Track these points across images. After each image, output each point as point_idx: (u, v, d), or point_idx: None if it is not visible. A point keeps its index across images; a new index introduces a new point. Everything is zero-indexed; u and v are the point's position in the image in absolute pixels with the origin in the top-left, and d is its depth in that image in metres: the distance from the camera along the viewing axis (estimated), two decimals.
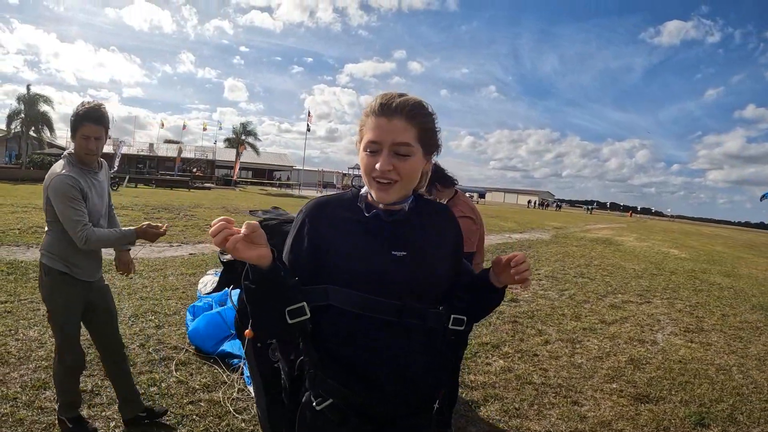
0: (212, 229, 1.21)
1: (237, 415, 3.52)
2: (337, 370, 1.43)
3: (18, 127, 38.40)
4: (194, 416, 3.47)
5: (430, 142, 1.47)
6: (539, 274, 10.76)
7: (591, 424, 3.96)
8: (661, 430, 4.00)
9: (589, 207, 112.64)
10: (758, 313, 8.86)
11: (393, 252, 1.43)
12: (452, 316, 1.49)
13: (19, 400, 3.43)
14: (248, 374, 3.77)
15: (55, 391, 3.24)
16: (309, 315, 1.36)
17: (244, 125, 54.28)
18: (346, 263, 1.41)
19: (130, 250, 3.37)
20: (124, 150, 41.74)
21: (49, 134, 39.66)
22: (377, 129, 1.40)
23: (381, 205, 1.46)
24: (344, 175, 61.32)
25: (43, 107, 38.52)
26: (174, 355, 4.44)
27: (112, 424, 3.29)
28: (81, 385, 3.32)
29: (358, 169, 1.49)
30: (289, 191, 50.97)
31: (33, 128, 38.57)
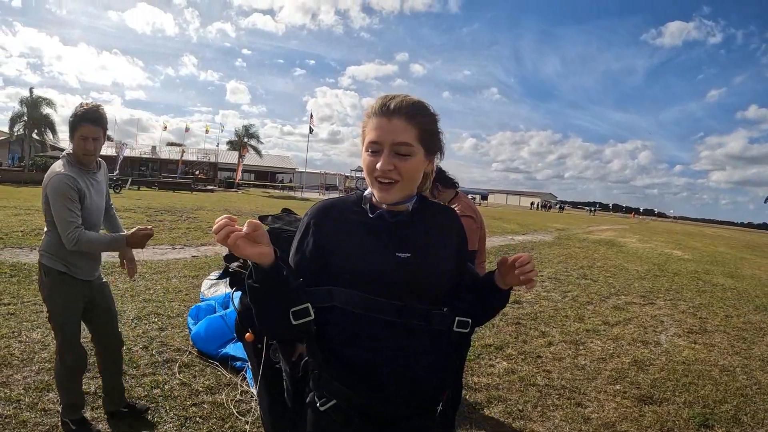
0: (215, 226, 1.23)
1: (240, 417, 3.52)
2: (341, 370, 1.43)
3: (21, 130, 38.47)
4: (197, 418, 3.47)
5: (431, 142, 1.48)
6: (542, 275, 10.73)
7: (595, 425, 3.95)
8: (665, 431, 3.99)
9: (592, 208, 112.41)
10: (762, 314, 8.84)
11: (397, 254, 1.44)
12: (457, 318, 1.49)
13: (23, 402, 3.43)
14: (251, 376, 3.77)
15: (57, 393, 3.25)
16: (313, 316, 1.37)
17: (246, 128, 54.34)
18: (350, 264, 1.42)
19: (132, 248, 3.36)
20: (127, 152, 41.88)
21: (51, 137, 39.73)
22: (378, 129, 1.41)
23: (384, 206, 1.47)
24: (347, 177, 61.27)
25: (46, 110, 38.59)
26: (177, 357, 4.44)
27: (115, 426, 3.29)
28: (84, 387, 3.34)
29: (361, 171, 1.50)
30: (291, 194, 50.99)
31: (36, 131, 38.64)
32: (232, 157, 57.20)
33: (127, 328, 5.02)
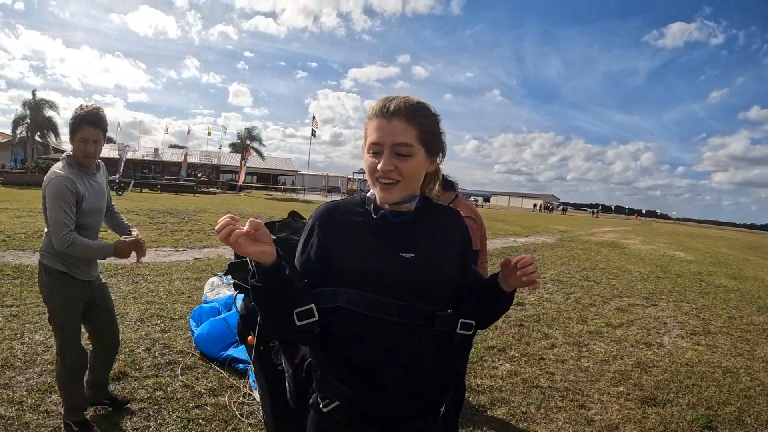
0: (217, 226, 1.24)
1: (243, 420, 3.52)
2: (344, 371, 1.43)
3: (23, 133, 38.60)
4: (200, 420, 3.47)
5: (432, 142, 1.48)
6: (545, 277, 10.73)
7: (598, 427, 3.94)
8: None
9: (594, 210, 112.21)
10: (765, 315, 8.81)
11: (401, 254, 1.45)
12: (461, 320, 1.49)
13: (25, 404, 3.43)
14: (254, 378, 3.77)
15: (59, 394, 3.25)
16: (317, 317, 1.37)
17: (248, 130, 54.34)
18: (354, 264, 1.43)
19: (138, 234, 3.32)
20: (129, 155, 41.92)
21: (54, 139, 39.88)
22: (378, 131, 1.42)
23: (387, 207, 1.47)
24: (349, 179, 61.33)
25: (49, 112, 38.75)
26: (180, 359, 4.44)
27: (118, 428, 3.29)
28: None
29: (364, 173, 1.51)
30: (294, 196, 51.02)
31: (38, 133, 38.77)
32: (234, 160, 57.26)
33: (130, 330, 5.03)
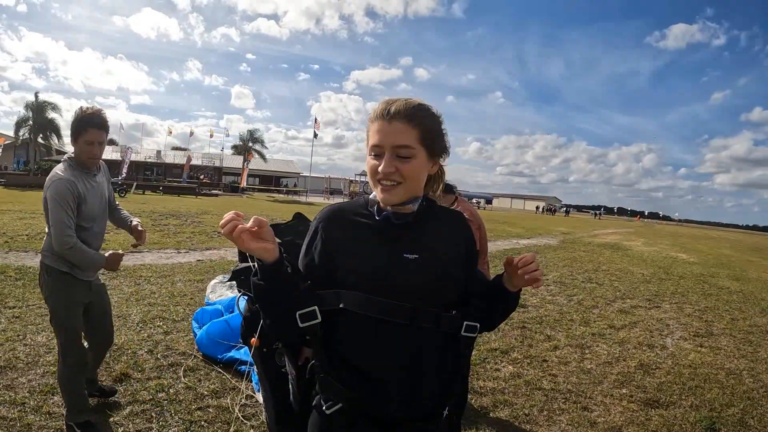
0: (223, 221, 1.26)
1: (245, 421, 3.52)
2: (347, 373, 1.43)
3: (26, 134, 38.74)
4: (203, 422, 3.47)
5: (433, 143, 1.48)
6: (547, 279, 10.71)
7: (601, 429, 3.93)
8: None
9: (597, 212, 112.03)
10: None
11: (405, 255, 1.45)
12: (465, 322, 1.49)
13: (27, 405, 3.43)
14: (257, 380, 3.77)
15: (61, 396, 3.25)
16: (320, 319, 1.38)
17: (251, 132, 54.38)
18: (358, 265, 1.43)
19: (138, 224, 3.48)
20: (132, 157, 41.97)
21: (57, 141, 40.00)
22: (379, 133, 1.43)
23: (390, 208, 1.47)
24: (351, 181, 61.32)
25: (51, 114, 38.90)
26: (182, 361, 4.44)
27: (121, 429, 3.29)
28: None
29: (366, 175, 1.51)
30: (296, 198, 51.06)
31: (41, 135, 38.90)
32: (236, 162, 57.31)
33: (132, 331, 5.03)
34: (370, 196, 1.53)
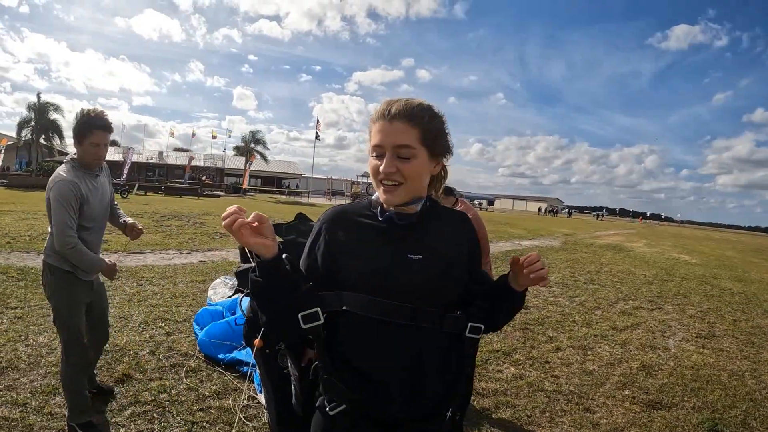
0: (224, 213, 1.26)
1: (247, 422, 3.52)
2: (349, 374, 1.43)
3: (28, 135, 38.83)
4: (204, 423, 3.47)
5: (435, 143, 1.48)
6: (549, 280, 10.68)
7: (603, 431, 3.93)
8: None
9: (599, 213, 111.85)
10: None
11: (409, 255, 1.44)
12: (470, 323, 1.48)
13: (29, 406, 3.43)
14: (259, 381, 3.77)
15: (63, 396, 3.26)
16: (323, 320, 1.38)
17: (253, 133, 54.47)
18: (360, 267, 1.43)
19: (133, 221, 3.50)
20: (134, 158, 42.03)
21: (59, 142, 40.08)
22: (380, 133, 1.43)
23: (392, 209, 1.47)
24: (353, 182, 61.37)
25: (53, 115, 38.98)
26: (184, 362, 4.44)
27: (122, 430, 3.29)
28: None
29: (368, 176, 1.51)
30: (298, 199, 51.09)
31: (43, 136, 38.99)
32: (238, 163, 57.34)
33: (134, 332, 5.03)
34: (373, 197, 1.53)
